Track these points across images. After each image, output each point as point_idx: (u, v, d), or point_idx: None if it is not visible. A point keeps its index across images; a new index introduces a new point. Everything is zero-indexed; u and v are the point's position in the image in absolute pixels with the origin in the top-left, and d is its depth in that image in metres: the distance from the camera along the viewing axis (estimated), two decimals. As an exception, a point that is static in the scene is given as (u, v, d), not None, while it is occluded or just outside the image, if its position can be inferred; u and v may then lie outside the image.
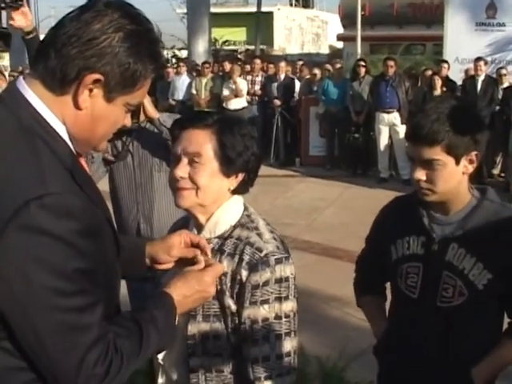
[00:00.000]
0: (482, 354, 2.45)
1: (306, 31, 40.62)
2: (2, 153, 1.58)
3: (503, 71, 12.42)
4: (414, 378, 2.49)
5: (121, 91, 1.67)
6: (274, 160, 14.10)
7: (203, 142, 2.14)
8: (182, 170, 2.15)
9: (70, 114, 1.65)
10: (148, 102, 4.00)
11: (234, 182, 2.21)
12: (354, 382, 4.37)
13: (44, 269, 1.52)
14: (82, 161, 1.79)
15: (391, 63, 12.28)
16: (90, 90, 1.63)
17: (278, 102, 14.03)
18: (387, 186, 11.36)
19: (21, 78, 1.71)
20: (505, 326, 2.55)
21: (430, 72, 12.95)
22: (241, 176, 2.21)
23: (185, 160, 2.15)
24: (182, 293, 1.92)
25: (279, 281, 2.11)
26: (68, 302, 1.56)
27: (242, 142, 2.18)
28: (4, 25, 3.74)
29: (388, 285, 2.76)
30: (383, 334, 2.68)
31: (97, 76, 1.61)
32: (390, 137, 12.29)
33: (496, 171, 12.33)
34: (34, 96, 1.64)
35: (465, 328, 2.44)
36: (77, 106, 1.64)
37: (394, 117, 12.06)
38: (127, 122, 1.93)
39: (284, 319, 2.13)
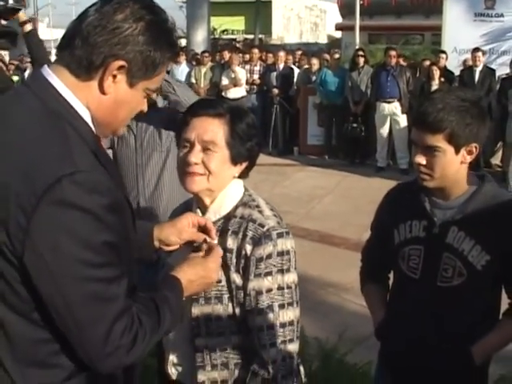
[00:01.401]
0: (479, 332, 2.55)
1: (305, 20, 40.54)
2: (32, 134, 1.67)
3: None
4: (414, 355, 2.59)
5: (142, 77, 1.78)
6: (272, 149, 14.13)
7: (217, 131, 2.25)
8: (196, 156, 2.24)
9: (94, 99, 1.76)
10: None
11: (239, 169, 2.33)
12: (353, 363, 4.45)
13: (75, 241, 1.60)
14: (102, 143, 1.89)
15: (393, 53, 12.31)
16: (114, 76, 1.74)
17: (276, 92, 14.05)
18: (385, 175, 11.42)
19: (45, 65, 1.81)
20: (504, 306, 2.64)
21: (428, 62, 12.97)
22: (245, 164, 2.33)
23: (198, 147, 2.25)
24: (188, 277, 2.02)
25: (281, 254, 2.23)
26: (96, 273, 1.64)
27: (249, 132, 2.30)
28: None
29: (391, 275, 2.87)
30: (385, 315, 2.77)
31: (121, 63, 1.72)
32: (390, 126, 12.34)
33: (496, 161, 12.35)
34: (59, 82, 1.74)
35: (463, 307, 2.53)
36: (102, 91, 1.75)
37: (395, 106, 12.10)
38: (145, 106, 2.03)
39: (286, 290, 2.24)
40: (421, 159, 2.47)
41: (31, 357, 1.72)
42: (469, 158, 2.48)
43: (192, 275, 2.03)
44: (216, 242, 2.24)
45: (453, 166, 2.47)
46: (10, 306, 1.68)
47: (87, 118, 1.76)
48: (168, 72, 13.80)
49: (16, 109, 1.73)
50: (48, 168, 1.60)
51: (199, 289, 2.11)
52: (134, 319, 1.72)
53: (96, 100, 1.76)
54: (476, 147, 2.46)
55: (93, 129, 1.78)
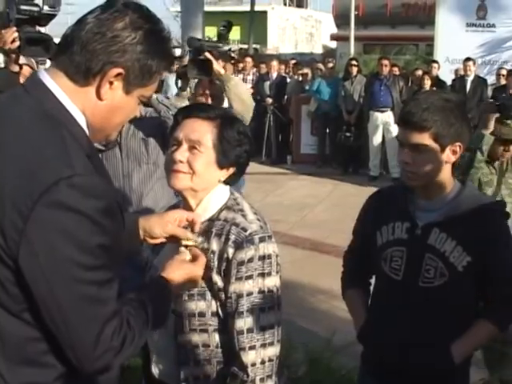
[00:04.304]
0: (460, 332, 2.57)
1: (300, 31, 40.60)
2: (29, 136, 1.69)
3: (503, 71, 12.49)
4: (395, 357, 2.59)
5: (138, 84, 1.82)
6: (265, 158, 14.12)
7: (205, 132, 2.29)
8: (182, 155, 2.28)
9: (90, 104, 1.79)
10: None
11: (225, 174, 2.35)
12: (339, 368, 4.44)
13: (70, 242, 1.62)
14: None
15: (385, 62, 12.37)
16: (111, 83, 1.77)
17: (269, 101, 14.05)
18: (377, 184, 11.36)
19: (42, 69, 1.86)
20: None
21: (420, 72, 13.03)
22: (232, 170, 2.36)
23: (185, 145, 2.29)
24: (175, 279, 2.04)
25: (262, 258, 2.24)
26: (90, 276, 1.66)
27: (238, 138, 2.33)
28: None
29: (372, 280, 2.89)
30: (367, 318, 2.78)
31: (119, 70, 1.76)
32: (383, 136, 12.36)
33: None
34: (56, 86, 1.76)
35: (444, 307, 2.55)
36: (98, 97, 1.78)
37: (388, 116, 12.12)
38: (137, 112, 2.07)
39: (267, 293, 2.25)
40: (407, 157, 2.51)
41: (22, 355, 1.72)
42: (453, 158, 2.53)
43: (179, 277, 2.05)
44: (200, 240, 2.27)
45: (438, 164, 2.51)
46: (2, 306, 1.69)
47: (82, 122, 1.78)
48: (162, 81, 13.71)
49: (13, 110, 1.75)
50: (45, 170, 1.62)
51: (184, 290, 2.16)
52: (123, 322, 1.74)
53: (92, 105, 1.78)
54: (460, 146, 2.51)
55: (87, 133, 1.80)
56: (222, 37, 4.68)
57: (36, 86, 1.78)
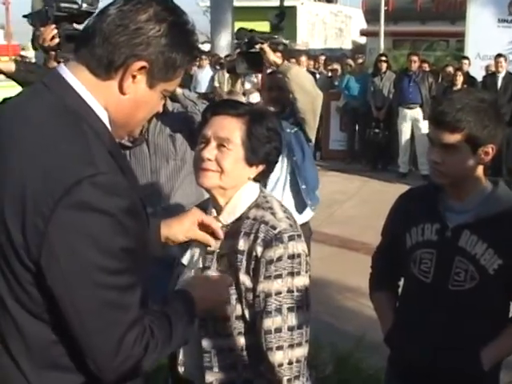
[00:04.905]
0: (490, 337, 2.53)
1: (330, 26, 40.40)
2: (50, 134, 1.63)
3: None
4: (424, 361, 2.56)
5: (162, 78, 1.77)
6: (294, 154, 14.05)
7: (234, 129, 2.27)
8: (210, 152, 2.26)
9: (113, 99, 1.74)
10: None
11: (254, 171, 2.33)
12: (367, 368, 4.42)
13: (92, 245, 1.57)
14: None
15: (415, 58, 12.28)
16: (134, 77, 1.72)
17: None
18: (406, 180, 11.33)
19: (62, 64, 1.79)
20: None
21: (450, 68, 12.90)
22: (261, 167, 2.34)
23: (213, 143, 2.27)
24: (200, 294, 2.01)
25: (292, 257, 2.22)
26: (112, 280, 1.61)
27: (268, 135, 2.31)
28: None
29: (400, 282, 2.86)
30: (394, 321, 2.75)
31: (142, 63, 1.70)
32: (412, 132, 12.28)
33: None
34: (77, 81, 1.71)
35: (475, 311, 2.51)
36: (121, 91, 1.73)
37: (417, 112, 12.04)
38: (160, 107, 2.03)
39: (296, 293, 2.23)
40: (437, 157, 2.47)
41: (47, 359, 1.69)
42: (485, 159, 2.48)
43: (204, 292, 2.04)
44: (218, 244, 2.28)
45: (469, 165, 2.46)
46: (24, 308, 1.66)
47: (104, 118, 1.74)
48: (191, 76, 13.79)
49: (32, 107, 1.71)
50: (67, 169, 1.57)
51: (209, 306, 2.11)
52: (145, 329, 1.69)
53: (115, 100, 1.74)
54: (493, 148, 2.46)
55: (109, 129, 1.75)
56: (276, 27, 4.48)
57: (56, 81, 1.73)
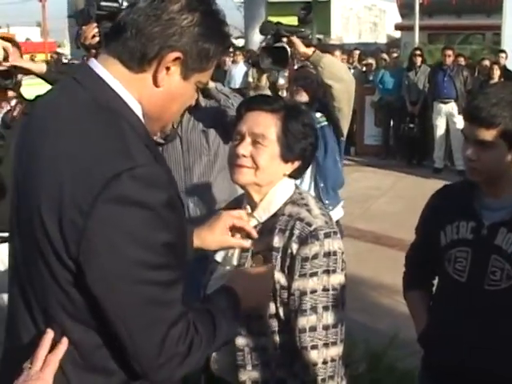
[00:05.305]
0: None
1: (364, 20, 40.16)
2: (85, 130, 1.61)
3: None
4: (458, 361, 2.51)
5: (196, 69, 1.73)
6: (328, 149, 14.00)
7: (269, 125, 2.25)
8: (246, 149, 2.25)
9: (146, 92, 1.70)
10: None
11: (290, 167, 2.31)
12: (401, 367, 4.38)
13: (133, 240, 1.53)
14: None
15: (449, 52, 12.18)
16: (168, 69, 1.69)
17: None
18: (442, 176, 11.25)
19: (92, 58, 1.76)
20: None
21: (487, 62, 12.75)
22: (297, 163, 2.32)
23: (248, 139, 2.26)
24: (245, 290, 1.97)
25: (327, 254, 2.19)
26: (154, 276, 1.57)
27: (303, 131, 2.28)
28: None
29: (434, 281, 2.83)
30: (428, 321, 2.71)
31: (177, 54, 1.67)
32: (447, 127, 12.17)
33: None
34: (109, 75, 1.68)
35: (510, 311, 2.46)
36: (155, 84, 1.70)
37: (452, 107, 11.95)
38: (194, 100, 2.01)
39: (331, 291, 2.20)
40: (472, 153, 2.41)
41: (90, 362, 1.66)
42: None
43: (248, 286, 2.00)
44: (248, 244, 2.25)
45: (504, 161, 2.41)
46: (65, 310, 1.63)
47: (138, 112, 1.71)
48: (225, 72, 13.84)
49: (65, 102, 1.68)
50: (105, 163, 1.54)
51: (254, 302, 2.06)
52: (189, 326, 1.66)
53: (148, 93, 1.70)
54: None
55: (144, 123, 1.72)
56: (303, 20, 4.27)
57: (88, 76, 1.70)
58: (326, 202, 4.39)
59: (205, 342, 1.70)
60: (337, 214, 4.56)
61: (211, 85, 4.03)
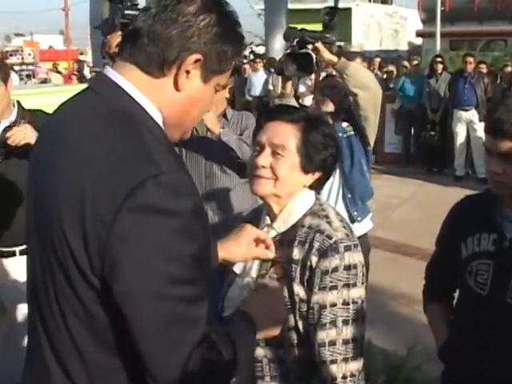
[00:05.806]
0: None
1: (385, 27, 40.17)
2: (105, 139, 1.55)
3: None
4: (479, 376, 2.46)
5: (216, 71, 1.70)
6: (348, 157, 13.97)
7: (289, 135, 2.22)
8: (265, 160, 2.22)
9: (166, 97, 1.66)
10: (209, 118, 3.93)
11: (310, 178, 2.28)
12: (420, 378, 4.34)
13: (159, 252, 1.47)
14: None
15: (470, 59, 12.06)
16: (187, 72, 1.64)
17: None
18: (463, 184, 11.18)
19: (108, 66, 1.74)
20: None
21: (509, 68, 12.67)
22: (317, 174, 2.28)
23: (268, 150, 2.23)
24: (257, 312, 1.88)
25: (348, 268, 2.15)
26: (180, 291, 1.49)
27: (324, 142, 2.25)
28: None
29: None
30: (449, 334, 2.67)
31: (197, 56, 1.63)
32: (468, 134, 12.08)
33: None
34: (127, 82, 1.64)
35: None
36: (176, 88, 1.65)
37: (472, 114, 11.83)
38: (213, 104, 1.97)
39: (352, 305, 2.17)
40: (496, 167, 2.36)
41: (105, 383, 1.60)
42: None
43: (262, 311, 1.91)
44: (272, 255, 2.22)
45: None
46: (86, 330, 1.56)
47: (158, 118, 1.65)
48: (245, 79, 13.88)
49: (82, 112, 1.64)
50: (129, 171, 1.48)
51: (269, 326, 1.96)
52: (213, 347, 1.57)
53: (168, 98, 1.66)
54: None
55: (164, 130, 1.68)
56: (327, 26, 4.17)
57: (103, 85, 1.65)
58: (355, 213, 4.34)
59: (226, 364, 1.63)
60: (365, 225, 4.50)
61: (216, 131, 4.02)
